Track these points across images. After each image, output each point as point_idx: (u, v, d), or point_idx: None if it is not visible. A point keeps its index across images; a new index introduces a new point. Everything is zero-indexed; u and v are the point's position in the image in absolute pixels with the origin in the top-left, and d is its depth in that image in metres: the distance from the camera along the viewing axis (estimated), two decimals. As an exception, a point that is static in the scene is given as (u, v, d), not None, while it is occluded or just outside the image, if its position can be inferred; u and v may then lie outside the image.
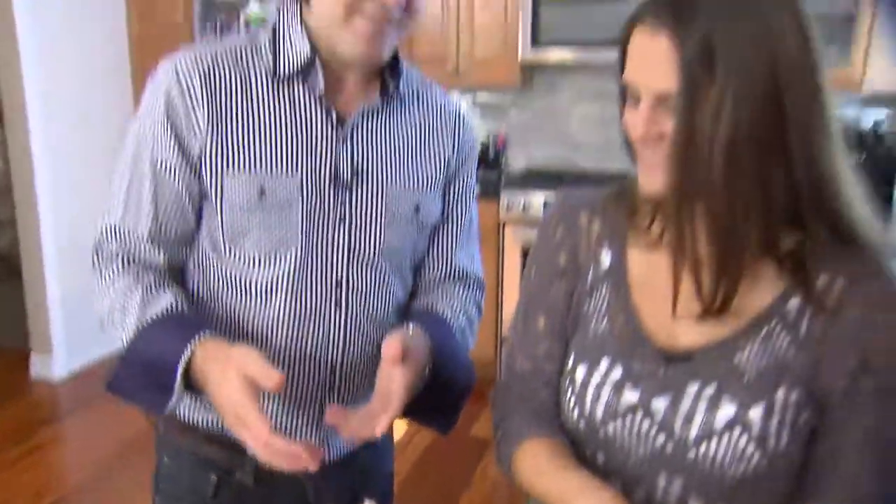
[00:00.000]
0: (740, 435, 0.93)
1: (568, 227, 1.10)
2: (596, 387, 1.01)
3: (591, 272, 1.07)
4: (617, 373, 1.00)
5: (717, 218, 0.91)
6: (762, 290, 0.96)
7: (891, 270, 0.95)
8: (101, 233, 1.24)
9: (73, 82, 3.92)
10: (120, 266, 1.21)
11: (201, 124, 1.17)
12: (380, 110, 1.25)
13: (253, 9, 3.98)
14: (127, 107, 4.26)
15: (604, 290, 1.05)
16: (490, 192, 3.81)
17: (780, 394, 0.93)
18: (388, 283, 1.29)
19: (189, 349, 1.08)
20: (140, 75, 4.25)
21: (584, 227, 1.09)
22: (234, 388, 1.01)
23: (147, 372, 1.13)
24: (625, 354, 1.01)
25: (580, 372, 1.03)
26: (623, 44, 0.95)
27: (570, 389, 1.04)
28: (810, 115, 0.88)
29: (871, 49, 3.13)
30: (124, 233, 1.22)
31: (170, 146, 1.17)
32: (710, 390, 0.95)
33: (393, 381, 1.05)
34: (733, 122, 0.85)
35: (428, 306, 1.33)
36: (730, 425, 0.93)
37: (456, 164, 1.35)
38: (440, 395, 1.21)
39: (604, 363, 1.01)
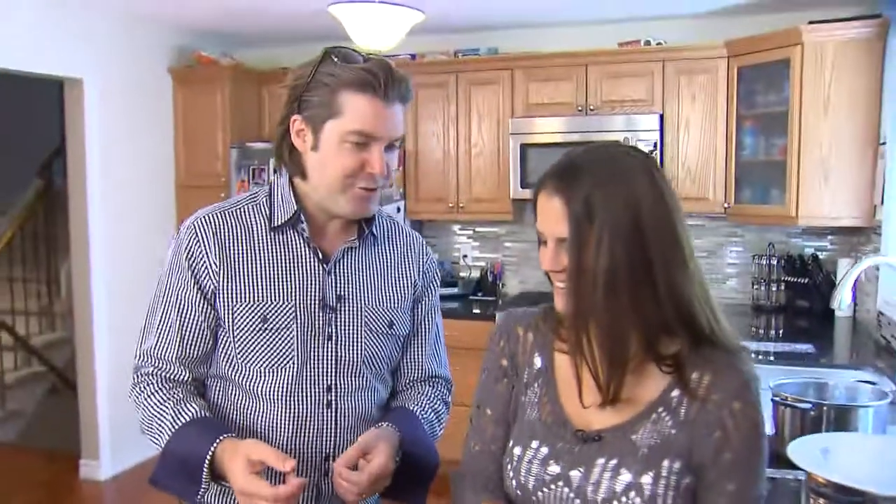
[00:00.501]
0: (635, 496, 1.13)
1: (508, 339, 1.32)
2: (528, 462, 1.22)
3: (526, 372, 1.29)
4: (544, 451, 1.21)
5: (603, 330, 1.14)
6: (652, 385, 1.19)
7: (744, 366, 1.17)
8: (138, 357, 1.49)
9: (129, 225, 4.51)
10: (155, 384, 1.45)
11: (214, 269, 1.43)
12: (357, 247, 1.51)
13: (283, 157, 4.62)
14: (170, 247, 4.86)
15: (536, 387, 1.27)
16: (488, 313, 4.30)
17: (666, 464, 1.14)
18: (369, 385, 1.51)
19: (213, 447, 1.31)
20: (182, 219, 4.86)
21: (521, 338, 1.31)
22: (240, 471, 1.26)
23: (181, 467, 1.35)
24: (550, 436, 1.22)
25: (517, 451, 1.24)
26: (534, 202, 1.21)
27: (509, 465, 1.24)
28: (669, 251, 1.13)
29: (801, 189, 3.67)
30: (157, 357, 1.46)
31: (191, 287, 1.44)
32: (612, 462, 1.16)
33: (371, 461, 1.34)
34: (609, 259, 1.10)
35: (401, 404, 1.56)
36: (627, 489, 1.14)
37: (422, 286, 1.59)
38: (411, 476, 1.44)
39: (534, 444, 1.23)
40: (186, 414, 1.40)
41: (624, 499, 1.14)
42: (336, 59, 1.38)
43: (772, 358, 3.14)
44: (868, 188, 3.57)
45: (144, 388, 1.46)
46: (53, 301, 5.52)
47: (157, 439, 1.41)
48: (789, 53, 3.65)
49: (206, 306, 1.45)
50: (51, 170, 5.73)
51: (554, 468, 1.20)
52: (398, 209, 4.62)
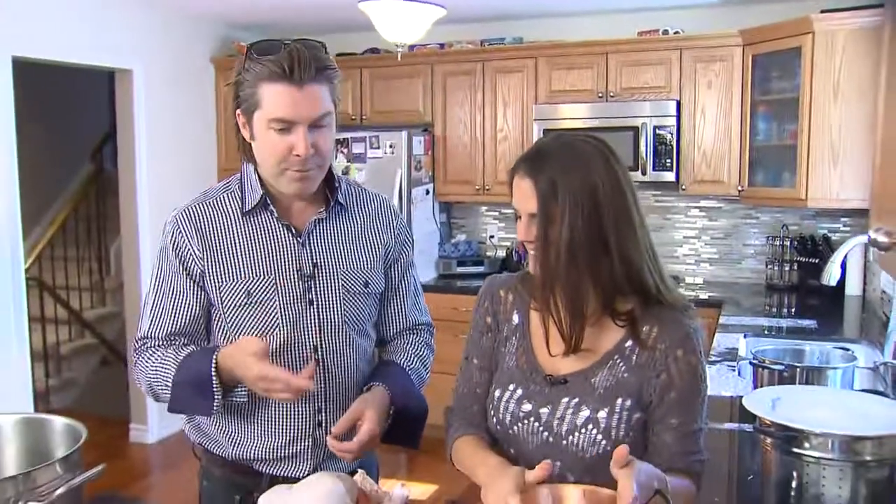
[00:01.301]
0: (592, 428, 1.35)
1: (492, 299, 1.52)
2: (506, 402, 1.43)
3: (505, 327, 1.49)
4: (519, 392, 1.43)
5: (565, 291, 1.34)
6: (609, 337, 1.40)
7: (687, 320, 1.38)
8: (135, 342, 1.64)
9: (174, 205, 4.79)
10: (152, 351, 1.60)
11: (198, 255, 1.57)
12: (326, 218, 1.63)
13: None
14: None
15: (514, 339, 1.48)
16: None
17: (619, 402, 1.35)
18: (352, 342, 1.65)
19: (214, 358, 1.48)
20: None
21: (503, 298, 1.51)
22: (252, 361, 1.40)
23: (192, 389, 1.50)
24: (525, 380, 1.43)
25: (497, 393, 1.45)
26: (510, 183, 1.40)
27: (490, 405, 1.46)
28: (621, 225, 1.32)
29: (810, 172, 3.81)
30: (151, 337, 1.61)
31: (180, 273, 1.59)
32: (574, 401, 1.38)
33: (361, 427, 1.50)
34: (570, 231, 1.29)
35: (389, 358, 1.73)
36: (586, 422, 1.35)
37: (396, 246, 1.72)
38: (404, 423, 1.62)
39: (511, 386, 1.44)
40: (185, 351, 1.57)
41: (584, 430, 1.36)
42: (255, 55, 1.48)
43: (783, 332, 3.32)
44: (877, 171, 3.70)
45: (144, 352, 1.62)
46: (104, 278, 5.85)
47: (163, 388, 1.56)
48: (801, 41, 3.78)
49: (195, 289, 1.60)
50: (101, 155, 6.06)
51: (527, 406, 1.41)
52: (427, 191, 4.84)
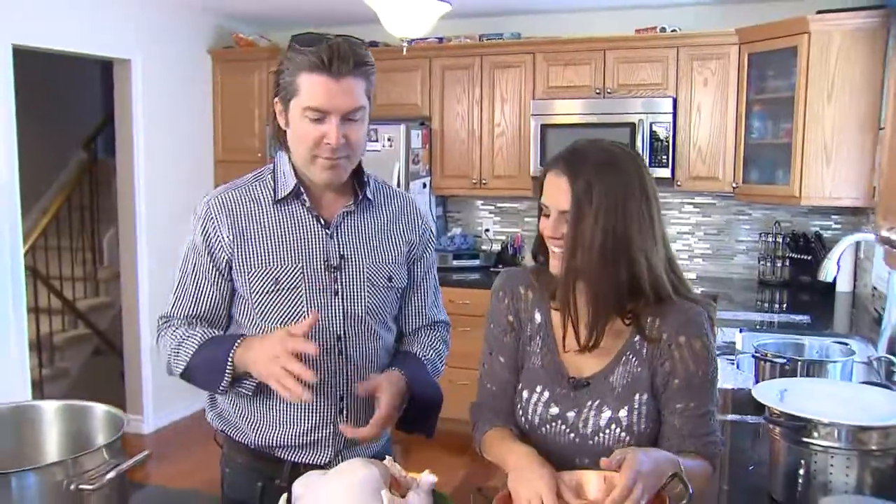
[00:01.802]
0: (615, 427, 1.42)
1: (512, 297, 1.54)
2: (534, 404, 1.49)
3: (528, 326, 1.53)
4: (546, 395, 1.48)
5: (590, 289, 1.38)
6: (620, 335, 1.45)
7: (690, 308, 1.42)
8: (158, 321, 1.71)
9: (170, 196, 4.81)
10: (176, 325, 1.66)
11: (227, 242, 1.61)
12: (354, 211, 1.67)
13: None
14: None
15: (538, 339, 1.51)
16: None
17: (636, 397, 1.42)
18: (374, 333, 1.69)
19: (236, 344, 1.53)
20: (222, 186, 5.18)
21: (523, 296, 1.54)
22: (275, 342, 1.43)
23: (208, 364, 1.56)
24: (550, 383, 1.49)
25: (525, 394, 1.51)
26: (541, 180, 1.44)
27: (519, 405, 1.51)
28: (647, 233, 1.38)
29: (804, 170, 3.89)
30: (173, 316, 1.67)
31: (205, 261, 1.63)
32: (596, 402, 1.44)
33: (379, 408, 1.55)
34: (602, 233, 1.34)
35: (406, 349, 1.77)
36: (609, 423, 1.42)
37: (420, 246, 1.76)
38: (420, 410, 1.66)
39: (538, 388, 1.49)
40: (213, 333, 1.63)
41: (608, 430, 1.43)
42: (297, 45, 1.53)
43: (774, 327, 3.39)
44: (868, 171, 3.78)
45: (166, 329, 1.67)
46: (98, 268, 5.85)
47: (183, 355, 1.60)
48: (797, 41, 3.85)
49: (218, 278, 1.64)
50: (95, 144, 6.04)
51: (554, 410, 1.48)
52: (424, 185, 4.88)
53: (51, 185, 5.98)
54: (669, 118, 4.30)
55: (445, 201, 5.28)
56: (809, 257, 4.20)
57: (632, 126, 4.32)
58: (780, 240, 4.36)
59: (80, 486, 1.16)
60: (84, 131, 6.09)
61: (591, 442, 1.44)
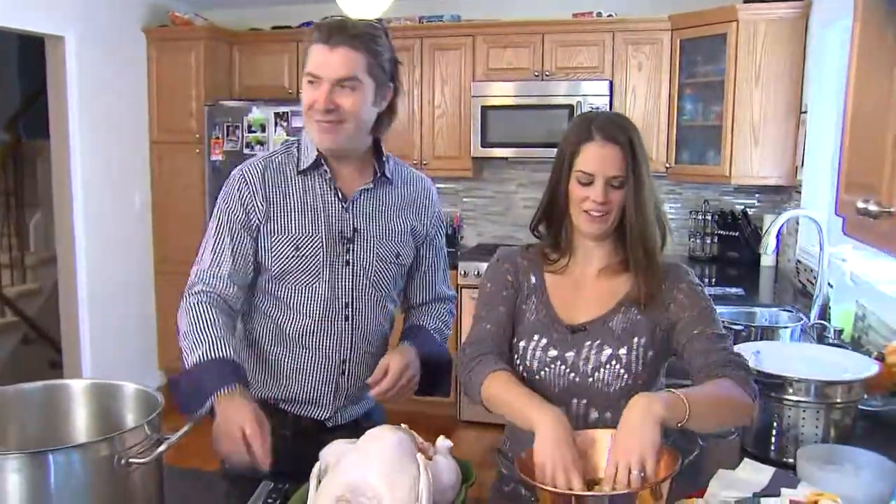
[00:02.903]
0: (616, 364, 1.53)
1: (510, 263, 1.67)
2: (532, 350, 1.58)
3: (525, 286, 1.65)
4: (543, 341, 1.58)
5: (645, 248, 1.54)
6: (620, 286, 1.59)
7: (678, 265, 1.62)
8: (194, 275, 1.73)
9: (106, 176, 4.71)
10: (204, 301, 1.68)
11: (261, 208, 1.72)
12: (372, 189, 1.78)
13: (255, 114, 4.83)
14: (145, 195, 5.07)
15: (533, 297, 1.63)
16: (448, 262, 4.64)
17: (635, 340, 1.55)
18: (379, 303, 1.82)
19: (223, 390, 1.53)
20: (157, 171, 5.09)
21: (519, 262, 1.67)
22: (247, 416, 1.48)
23: (193, 387, 1.56)
24: (547, 331, 1.59)
25: (522, 343, 1.60)
26: (573, 151, 1.53)
27: (516, 355, 1.60)
28: (657, 195, 1.58)
29: (734, 151, 4.12)
30: (211, 274, 1.72)
31: (242, 222, 1.72)
32: (597, 343, 1.56)
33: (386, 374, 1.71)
34: (650, 192, 1.53)
35: (414, 322, 1.92)
36: (609, 359, 1.54)
37: (429, 227, 1.89)
38: (432, 374, 1.81)
39: (535, 336, 1.59)
40: (219, 351, 1.60)
41: (608, 366, 1.54)
42: (315, 24, 1.68)
43: (713, 300, 3.59)
44: (791, 151, 4.04)
45: (192, 300, 1.69)
46: (24, 254, 5.64)
47: (187, 352, 1.62)
48: (726, 29, 4.06)
49: (250, 238, 1.74)
50: (16, 125, 5.80)
51: (552, 352, 1.58)
52: (365, 166, 4.91)
53: (-32, 168, 5.72)
54: (606, 101, 4.46)
55: (385, 182, 5.31)
56: (736, 234, 4.45)
57: (570, 108, 4.46)
58: (709, 218, 4.60)
59: (130, 461, 1.19)
60: (5, 112, 5.84)
61: (590, 379, 1.54)
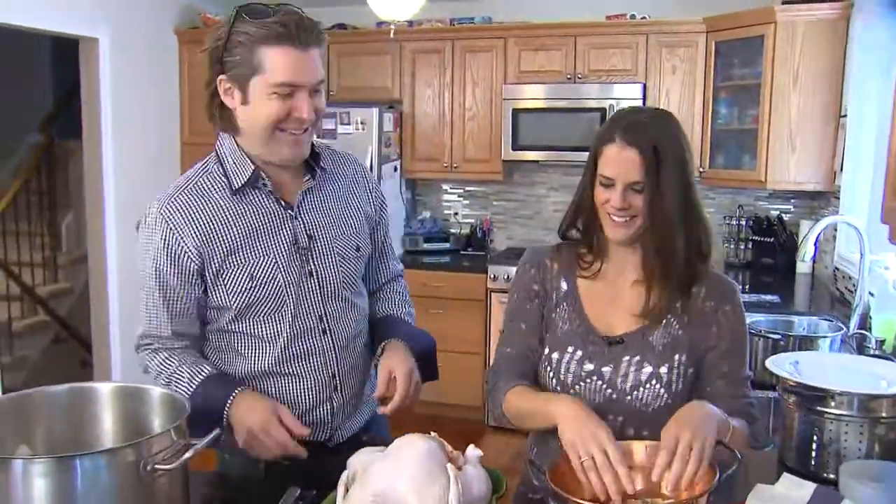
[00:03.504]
0: (656, 383, 1.47)
1: (538, 267, 1.59)
2: (566, 363, 1.52)
3: (554, 294, 1.57)
4: (579, 354, 1.51)
5: (665, 255, 1.45)
6: (659, 298, 1.50)
7: (730, 282, 1.55)
8: (138, 338, 1.63)
9: (137, 177, 4.71)
10: (165, 355, 1.59)
11: (194, 252, 1.53)
12: (314, 188, 1.62)
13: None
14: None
15: (565, 305, 1.56)
16: (478, 267, 4.62)
17: (677, 357, 1.48)
18: (351, 302, 1.69)
19: (231, 399, 1.49)
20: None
21: (549, 266, 1.59)
22: (264, 412, 1.45)
23: (202, 415, 1.42)
24: (582, 342, 1.52)
25: (555, 356, 1.53)
26: (596, 152, 1.47)
27: (548, 367, 1.53)
28: (697, 196, 1.47)
29: (770, 156, 4.04)
30: (153, 336, 1.60)
31: (170, 272, 1.54)
32: (636, 359, 1.49)
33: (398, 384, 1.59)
34: (677, 198, 1.42)
35: (384, 311, 1.80)
36: (650, 378, 1.47)
37: (377, 209, 1.77)
38: (421, 361, 1.67)
39: (570, 349, 1.52)
40: (202, 372, 1.56)
41: (648, 385, 1.48)
42: (247, 17, 1.44)
43: (745, 307, 3.51)
44: (829, 156, 3.95)
45: (152, 357, 1.61)
46: (56, 253, 5.70)
47: (180, 390, 1.54)
48: (764, 31, 3.98)
49: (189, 290, 1.57)
50: (51, 126, 5.86)
51: (588, 366, 1.51)
52: (395, 168, 4.90)
53: (6, 169, 5.79)
54: (639, 104, 4.39)
55: (415, 185, 5.30)
56: (771, 239, 4.36)
57: (602, 111, 4.41)
58: (744, 223, 4.52)
59: (157, 467, 1.17)
60: (38, 114, 5.91)
61: (628, 398, 1.48)
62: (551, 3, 4.79)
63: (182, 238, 1.53)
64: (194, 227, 1.53)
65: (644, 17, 4.47)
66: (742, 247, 4.52)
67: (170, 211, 1.53)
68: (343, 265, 1.66)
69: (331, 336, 1.65)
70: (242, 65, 1.45)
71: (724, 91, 4.33)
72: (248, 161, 1.55)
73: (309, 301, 1.62)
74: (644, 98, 4.41)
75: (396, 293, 1.87)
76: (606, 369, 1.50)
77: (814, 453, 1.64)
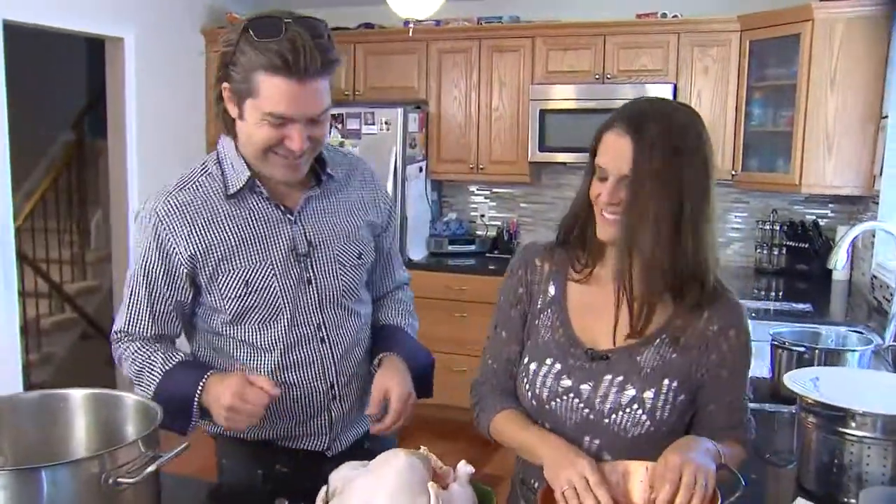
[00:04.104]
0: (637, 408, 1.34)
1: (527, 268, 1.47)
2: (543, 376, 1.40)
3: (540, 299, 1.45)
4: (557, 367, 1.39)
5: (645, 260, 1.29)
6: (657, 316, 1.36)
7: (736, 301, 1.40)
8: (114, 335, 1.57)
9: (161, 179, 4.72)
10: (138, 345, 1.54)
11: (187, 255, 1.48)
12: (317, 194, 1.57)
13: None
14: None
15: (549, 312, 1.44)
16: (503, 270, 4.46)
17: (666, 382, 1.34)
18: (351, 311, 1.63)
19: (202, 382, 1.44)
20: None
21: (539, 268, 1.47)
22: (235, 381, 1.37)
23: (173, 403, 1.40)
24: (563, 355, 1.40)
25: (532, 366, 1.41)
26: (596, 141, 1.33)
27: (525, 379, 1.42)
28: (700, 203, 1.29)
29: (805, 158, 3.89)
30: (129, 333, 1.54)
31: (159, 272, 1.50)
32: (618, 379, 1.35)
33: (391, 401, 1.52)
34: (661, 198, 1.26)
35: (386, 320, 1.74)
36: (631, 402, 1.34)
37: (382, 217, 1.71)
38: (417, 377, 1.61)
39: (548, 360, 1.40)
40: (174, 360, 1.51)
41: (628, 409, 1.35)
42: (252, 35, 1.35)
43: (772, 315, 3.39)
44: (868, 159, 3.78)
45: (126, 347, 1.55)
46: (85, 251, 5.75)
47: (146, 387, 1.50)
48: (800, 29, 3.83)
49: (175, 293, 1.53)
50: (82, 125, 5.92)
51: (566, 382, 1.39)
52: (420, 169, 4.84)
53: (37, 166, 5.86)
54: (669, 105, 4.27)
55: (440, 186, 5.24)
56: (807, 245, 4.21)
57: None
58: (777, 228, 4.36)
59: (118, 480, 1.11)
60: (70, 112, 5.97)
61: (606, 420, 1.36)
62: (580, 2, 4.69)
63: (175, 239, 1.49)
64: (189, 228, 1.49)
65: (675, 16, 4.34)
66: (775, 252, 4.36)
67: (166, 209, 1.49)
68: (344, 273, 1.60)
69: (329, 345, 1.60)
70: (242, 82, 1.39)
71: (758, 91, 4.18)
72: (246, 167, 1.50)
73: (307, 309, 1.57)
74: (675, 98, 4.28)
75: (400, 302, 1.81)
76: (585, 387, 1.38)
77: (833, 477, 1.53)
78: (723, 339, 1.38)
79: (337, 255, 1.59)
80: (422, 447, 1.37)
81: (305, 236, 1.56)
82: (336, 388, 1.62)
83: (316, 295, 1.57)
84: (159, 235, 1.49)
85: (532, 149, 4.58)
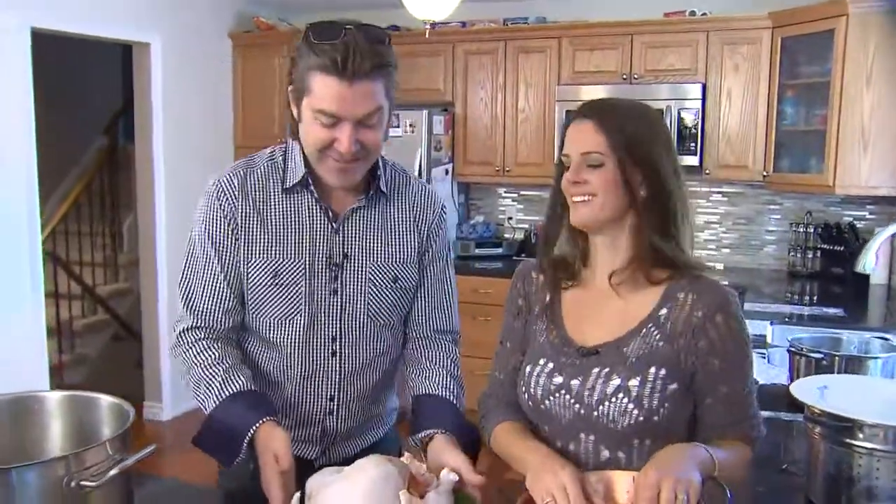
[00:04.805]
0: (623, 397, 1.31)
1: (524, 281, 1.52)
2: (537, 376, 1.41)
3: (537, 307, 1.49)
4: (549, 366, 1.41)
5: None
6: (642, 305, 1.38)
7: (721, 285, 1.38)
8: (184, 309, 1.55)
9: (189, 183, 4.69)
10: (204, 342, 1.51)
11: (238, 223, 1.52)
12: (365, 207, 1.57)
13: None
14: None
15: (544, 317, 1.47)
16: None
17: (652, 370, 1.32)
18: (374, 335, 1.59)
19: (255, 427, 1.38)
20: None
21: (535, 279, 1.51)
22: (269, 466, 1.32)
23: (223, 436, 1.40)
24: (556, 354, 1.41)
25: (528, 369, 1.43)
26: (562, 140, 1.40)
27: (522, 381, 1.44)
28: (670, 181, 1.35)
29: (839, 158, 3.76)
30: (203, 310, 1.52)
31: (228, 238, 1.52)
32: (605, 371, 1.35)
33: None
34: (630, 177, 1.32)
35: (430, 391, 1.58)
36: (616, 391, 1.32)
37: (427, 242, 1.64)
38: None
39: (542, 361, 1.42)
40: (235, 384, 1.47)
41: (614, 399, 1.33)
42: (312, 37, 1.40)
43: (805, 320, 3.27)
44: (906, 159, 3.65)
45: (193, 345, 1.53)
46: (117, 254, 5.83)
47: (203, 401, 1.48)
48: (833, 24, 3.71)
49: (235, 248, 1.54)
50: (115, 129, 6.01)
51: (558, 379, 1.39)
52: (446, 171, 4.80)
53: (71, 170, 5.97)
54: (698, 104, 4.18)
55: (468, 189, 5.19)
56: (842, 248, 4.07)
57: (659, 112, 4.19)
58: (812, 230, 4.23)
59: (82, 483, 1.09)
60: (104, 116, 6.07)
61: (595, 413, 1.34)
62: (606, 2, 4.60)
63: (235, 208, 1.54)
64: (242, 202, 1.54)
65: (704, 14, 4.24)
66: (809, 255, 4.23)
67: (228, 183, 1.55)
68: (373, 293, 1.58)
69: (339, 360, 1.58)
70: (299, 81, 1.44)
71: (791, 90, 4.06)
72: (304, 164, 1.53)
73: (325, 318, 1.56)
74: (704, 98, 4.19)
75: (439, 355, 1.65)
76: (575, 382, 1.37)
77: (842, 490, 1.45)
78: (710, 325, 1.34)
79: (369, 273, 1.58)
80: (405, 454, 1.34)
81: (343, 247, 1.56)
82: (335, 404, 1.61)
83: (339, 307, 1.56)
84: (224, 207, 1.54)
85: (559, 151, 4.50)
